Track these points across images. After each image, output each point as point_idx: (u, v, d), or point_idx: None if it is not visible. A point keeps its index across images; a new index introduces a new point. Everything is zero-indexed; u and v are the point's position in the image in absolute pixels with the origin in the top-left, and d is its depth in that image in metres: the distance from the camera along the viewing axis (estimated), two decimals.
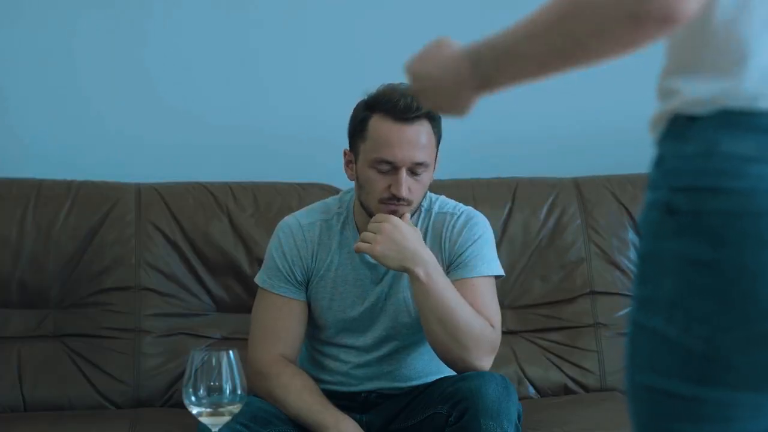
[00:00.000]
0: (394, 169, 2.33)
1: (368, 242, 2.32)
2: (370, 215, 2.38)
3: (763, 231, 1.03)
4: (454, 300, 2.31)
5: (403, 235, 2.32)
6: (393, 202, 2.35)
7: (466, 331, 2.31)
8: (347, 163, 2.44)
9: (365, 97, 2.39)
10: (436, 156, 2.39)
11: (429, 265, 2.31)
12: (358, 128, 2.39)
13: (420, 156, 2.33)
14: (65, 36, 3.09)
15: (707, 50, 1.08)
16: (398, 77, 3.19)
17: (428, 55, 1.34)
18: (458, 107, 1.30)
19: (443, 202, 2.49)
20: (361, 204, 2.41)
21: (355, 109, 2.41)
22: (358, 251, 2.35)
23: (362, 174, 2.38)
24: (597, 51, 1.09)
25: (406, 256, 2.31)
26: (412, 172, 2.34)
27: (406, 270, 2.32)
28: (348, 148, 2.43)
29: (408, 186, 2.34)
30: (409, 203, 2.36)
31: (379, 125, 2.34)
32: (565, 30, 1.10)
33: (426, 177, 2.37)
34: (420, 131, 2.34)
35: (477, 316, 2.34)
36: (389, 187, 2.34)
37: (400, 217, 2.36)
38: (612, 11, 1.05)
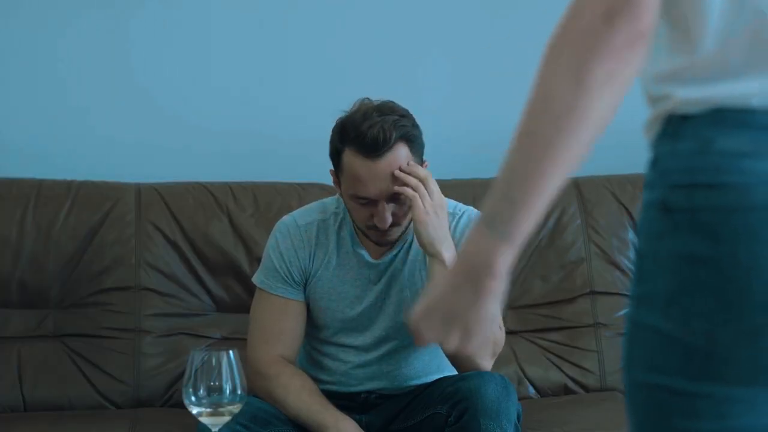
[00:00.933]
0: (372, 201, 2.32)
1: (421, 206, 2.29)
2: (363, 234, 2.40)
3: (758, 225, 1.03)
4: None
5: (445, 219, 2.32)
6: (379, 231, 2.34)
7: None
8: (334, 182, 2.43)
9: (339, 119, 2.35)
10: (422, 163, 2.35)
11: (453, 255, 2.29)
12: (334, 158, 2.37)
13: (396, 185, 2.29)
14: (65, 38, 3.09)
15: (697, 58, 1.08)
16: (398, 77, 3.19)
17: (428, 293, 1.23)
18: (485, 299, 1.17)
19: None
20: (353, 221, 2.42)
21: (332, 132, 2.37)
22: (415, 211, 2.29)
23: (345, 201, 2.38)
24: (591, 109, 1.07)
25: (441, 238, 2.30)
26: (394, 198, 2.31)
27: (435, 251, 2.29)
28: (332, 169, 2.41)
29: (391, 213, 2.32)
30: (396, 225, 2.35)
31: (352, 162, 2.30)
32: (552, 105, 1.07)
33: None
34: (393, 162, 2.28)
35: None
36: (372, 216, 2.33)
37: (394, 241, 2.38)
38: (585, 58, 1.05)
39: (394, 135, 2.27)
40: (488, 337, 1.15)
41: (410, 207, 2.31)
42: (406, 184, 2.28)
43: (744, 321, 1.04)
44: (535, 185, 1.12)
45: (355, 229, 2.45)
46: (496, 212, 1.14)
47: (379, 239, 2.38)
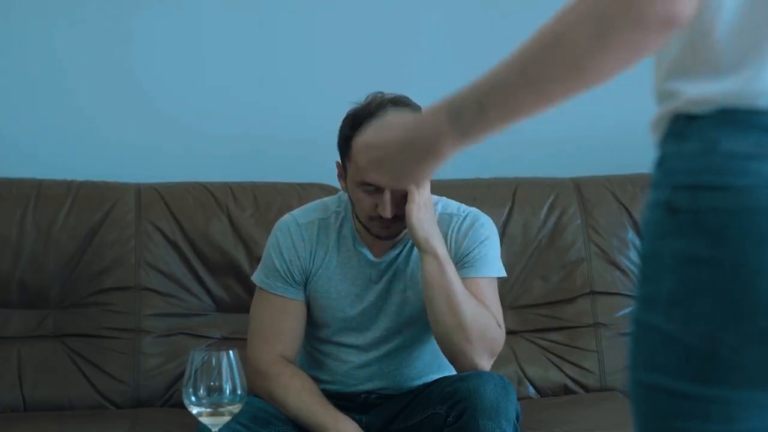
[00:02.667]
0: (378, 190, 2.33)
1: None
2: (365, 227, 2.40)
3: (762, 228, 1.03)
4: (461, 288, 2.32)
5: (433, 215, 2.34)
6: (382, 221, 2.35)
7: (472, 322, 2.31)
8: (339, 175, 2.44)
9: (351, 110, 2.37)
10: None
11: (444, 250, 2.33)
12: (343, 146, 2.38)
13: None
14: (66, 38, 3.09)
15: (708, 53, 1.08)
16: (398, 78, 3.20)
17: (385, 124, 1.28)
18: (425, 169, 1.22)
19: (446, 204, 2.49)
20: (355, 215, 2.42)
21: (342, 122, 2.39)
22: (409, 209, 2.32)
23: (351, 191, 2.38)
24: (599, 65, 1.07)
25: (433, 233, 2.32)
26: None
27: (429, 246, 2.31)
28: (339, 160, 2.43)
29: (395, 204, 2.33)
30: (399, 219, 2.35)
31: None
32: (565, 46, 1.07)
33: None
34: None
35: (483, 310, 2.34)
36: (377, 206, 2.34)
37: (395, 236, 2.39)
38: (614, 19, 1.04)
39: None
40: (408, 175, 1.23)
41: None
42: None
43: (748, 323, 1.04)
44: (510, 109, 1.13)
45: (356, 228, 2.45)
46: (464, 109, 1.16)
47: (381, 232, 2.38)
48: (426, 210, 2.32)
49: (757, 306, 1.03)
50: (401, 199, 2.33)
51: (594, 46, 1.06)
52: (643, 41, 1.05)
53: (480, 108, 1.15)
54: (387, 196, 2.31)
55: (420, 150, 1.21)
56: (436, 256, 2.30)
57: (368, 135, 1.28)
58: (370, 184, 2.31)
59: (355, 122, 2.33)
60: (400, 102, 2.34)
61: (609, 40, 1.05)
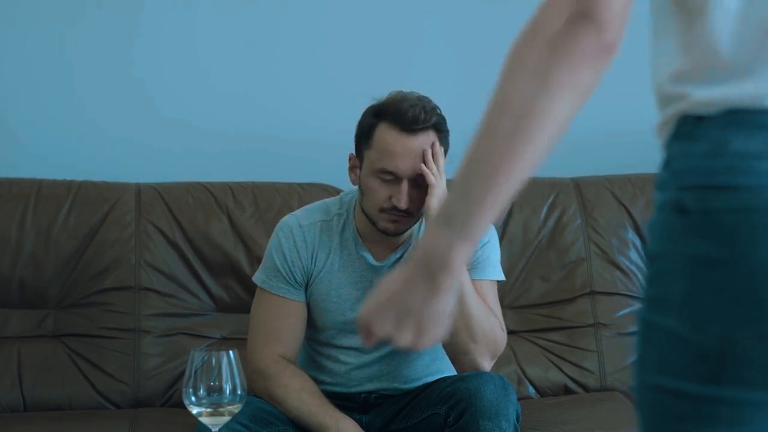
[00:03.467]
0: (396, 179, 2.33)
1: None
2: (372, 222, 2.38)
3: None
4: (471, 289, 2.32)
5: None
6: (394, 213, 2.34)
7: (478, 322, 2.31)
8: (351, 168, 2.44)
9: (374, 103, 2.38)
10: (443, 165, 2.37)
11: None
12: (364, 135, 2.38)
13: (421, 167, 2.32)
14: (66, 38, 3.09)
15: (715, 56, 1.08)
16: (399, 78, 3.19)
17: (381, 293, 1.22)
18: (445, 294, 1.18)
19: None
20: (363, 209, 2.41)
21: (363, 114, 2.40)
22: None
23: (365, 181, 2.37)
24: (548, 111, 1.08)
25: None
26: (416, 182, 2.33)
27: None
28: (353, 152, 2.43)
29: (410, 197, 2.33)
30: (410, 214, 2.35)
31: (385, 135, 2.33)
32: (512, 105, 1.09)
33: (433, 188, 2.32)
34: (424, 142, 2.32)
35: (490, 313, 2.35)
36: (390, 197, 2.34)
37: (402, 233, 2.38)
38: (546, 59, 1.07)
39: (433, 118, 2.33)
40: (444, 333, 1.18)
41: (425, 194, 2.32)
42: (430, 169, 2.31)
43: (760, 323, 1.04)
44: (493, 185, 1.12)
45: (358, 231, 2.44)
46: (453, 211, 1.15)
47: (389, 226, 2.36)
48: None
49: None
50: (415, 193, 2.33)
51: (540, 90, 1.08)
52: (583, 76, 1.08)
53: (467, 201, 1.14)
54: (405, 185, 2.32)
55: (429, 277, 1.17)
56: None
57: (370, 306, 1.22)
58: (389, 172, 2.32)
59: (379, 112, 2.35)
60: (424, 97, 2.37)
61: (550, 79, 1.07)
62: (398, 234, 2.40)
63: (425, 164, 2.31)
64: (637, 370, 1.13)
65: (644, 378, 1.12)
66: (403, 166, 2.31)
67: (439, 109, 2.37)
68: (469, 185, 1.13)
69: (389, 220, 2.36)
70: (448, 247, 1.16)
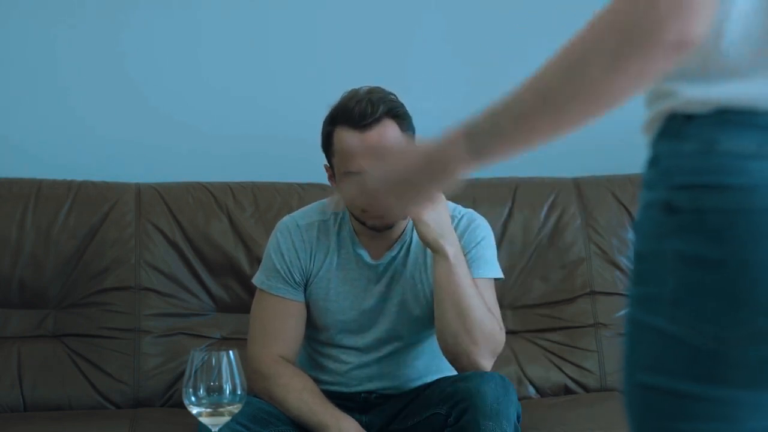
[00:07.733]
0: None
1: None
2: (360, 222, 2.39)
3: (764, 227, 1.03)
4: (472, 290, 2.32)
5: (445, 212, 2.32)
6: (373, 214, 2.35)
7: (479, 325, 2.31)
8: (329, 178, 2.44)
9: (330, 109, 2.38)
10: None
11: (457, 249, 2.31)
12: (325, 144, 2.39)
13: None
14: (66, 38, 3.09)
15: (714, 58, 1.08)
16: (398, 77, 3.19)
17: (401, 151, 1.30)
18: (437, 189, 1.26)
19: None
20: (350, 213, 2.42)
21: (322, 123, 2.40)
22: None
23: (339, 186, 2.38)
24: (614, 90, 1.07)
25: (444, 232, 2.31)
26: None
27: (439, 246, 2.30)
28: (326, 163, 2.43)
29: None
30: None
31: (341, 138, 2.33)
32: (581, 72, 1.07)
33: None
34: (383, 133, 2.30)
35: (489, 313, 2.35)
36: None
37: (388, 228, 2.37)
38: (629, 45, 1.04)
39: (381, 108, 2.30)
40: (412, 211, 1.25)
41: None
42: None
43: (752, 323, 1.04)
44: (528, 132, 1.14)
45: (354, 230, 2.45)
46: (480, 130, 1.16)
47: (376, 223, 2.36)
48: (436, 209, 2.31)
49: (760, 305, 1.03)
50: None
51: (610, 73, 1.06)
52: (658, 64, 1.05)
53: (496, 130, 1.15)
54: None
55: (436, 171, 1.22)
56: (445, 257, 2.29)
57: (387, 164, 1.28)
58: (354, 173, 2.29)
59: (331, 118, 2.35)
60: (373, 90, 2.35)
61: (624, 65, 1.05)
62: (389, 227, 2.41)
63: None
64: (627, 369, 1.13)
65: (635, 377, 1.12)
66: (366, 162, 2.31)
67: (393, 95, 2.35)
68: (504, 118, 1.14)
69: (371, 218, 2.36)
70: (459, 158, 1.18)
